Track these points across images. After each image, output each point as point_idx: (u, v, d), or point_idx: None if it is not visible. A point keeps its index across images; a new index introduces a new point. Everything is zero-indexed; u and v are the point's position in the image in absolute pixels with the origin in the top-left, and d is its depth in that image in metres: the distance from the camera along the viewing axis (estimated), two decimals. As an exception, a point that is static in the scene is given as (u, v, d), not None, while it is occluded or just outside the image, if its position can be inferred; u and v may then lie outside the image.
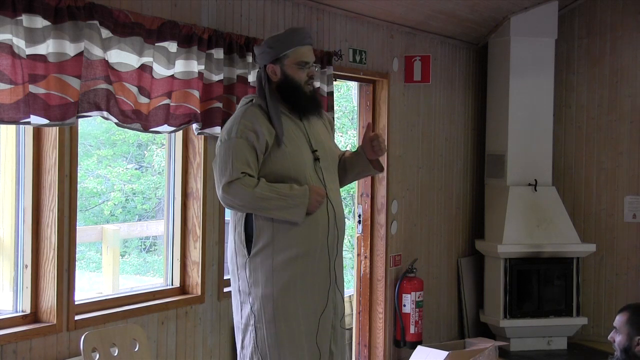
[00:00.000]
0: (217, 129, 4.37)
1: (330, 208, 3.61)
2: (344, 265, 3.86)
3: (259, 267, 3.54)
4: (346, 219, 4.16)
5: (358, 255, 6.21)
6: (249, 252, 3.54)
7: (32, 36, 3.34)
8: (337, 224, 3.65)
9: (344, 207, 3.82)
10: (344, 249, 3.84)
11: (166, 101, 4.04)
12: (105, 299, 4.11)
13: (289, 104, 3.65)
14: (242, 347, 3.62)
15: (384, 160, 3.79)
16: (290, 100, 3.64)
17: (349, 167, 3.88)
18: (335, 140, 4.10)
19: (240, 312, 3.61)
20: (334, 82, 5.43)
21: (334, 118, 5.38)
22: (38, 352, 3.56)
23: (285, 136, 3.57)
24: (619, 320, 3.64)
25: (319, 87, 5.04)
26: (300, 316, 3.56)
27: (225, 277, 4.64)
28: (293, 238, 3.54)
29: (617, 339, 3.62)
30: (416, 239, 6.69)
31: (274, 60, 3.61)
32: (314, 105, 3.72)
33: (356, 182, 5.88)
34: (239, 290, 3.60)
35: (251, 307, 3.55)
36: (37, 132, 3.64)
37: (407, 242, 6.53)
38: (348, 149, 4.08)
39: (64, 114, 3.47)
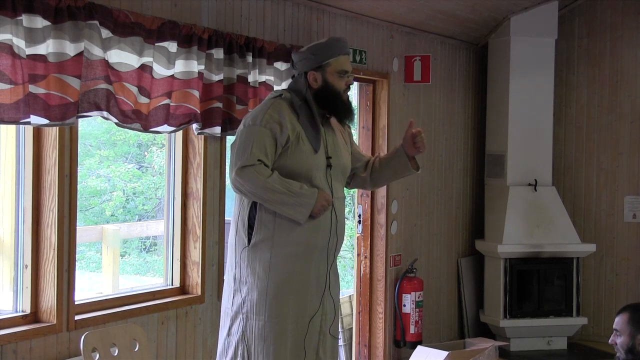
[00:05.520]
0: (217, 129, 4.37)
1: (333, 216, 3.66)
2: (343, 265, 3.88)
3: (257, 258, 3.57)
4: (346, 219, 4.19)
5: (358, 255, 6.20)
6: (248, 241, 3.58)
7: (32, 36, 3.34)
8: (337, 232, 3.70)
9: (345, 211, 3.85)
10: (344, 248, 3.87)
11: (166, 101, 4.05)
12: (105, 299, 4.11)
13: (325, 111, 3.72)
14: (229, 335, 3.63)
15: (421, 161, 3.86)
16: (329, 107, 3.71)
17: (385, 166, 3.94)
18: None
19: (232, 299, 3.63)
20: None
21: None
22: (38, 352, 3.56)
23: (307, 137, 3.62)
24: (619, 321, 3.63)
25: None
26: (290, 314, 3.58)
27: (225, 277, 4.65)
28: (293, 237, 3.57)
29: (619, 340, 3.61)
30: (416, 239, 6.69)
31: (316, 67, 3.67)
32: (350, 113, 3.80)
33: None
34: (234, 278, 3.63)
35: (245, 296, 3.57)
36: (37, 132, 3.64)
37: (407, 242, 6.53)
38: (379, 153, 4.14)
39: (64, 114, 3.47)
